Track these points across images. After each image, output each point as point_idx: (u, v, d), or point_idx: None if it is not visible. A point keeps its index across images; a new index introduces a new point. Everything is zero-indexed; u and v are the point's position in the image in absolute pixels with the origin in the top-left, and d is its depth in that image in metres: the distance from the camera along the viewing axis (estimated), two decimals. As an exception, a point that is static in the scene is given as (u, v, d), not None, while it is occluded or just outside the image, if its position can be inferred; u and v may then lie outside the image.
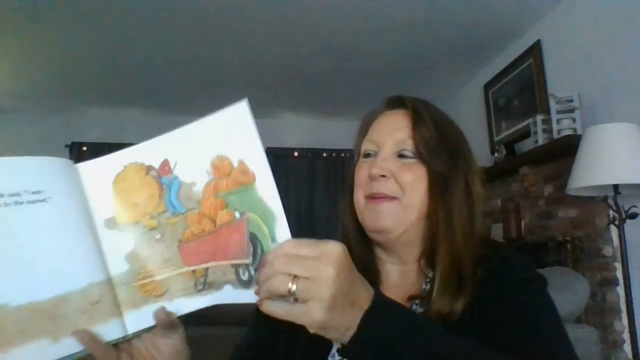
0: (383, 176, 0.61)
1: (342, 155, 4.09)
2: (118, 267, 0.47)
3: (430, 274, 0.62)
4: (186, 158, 0.48)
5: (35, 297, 0.42)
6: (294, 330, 0.44)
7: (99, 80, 3.23)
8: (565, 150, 1.98)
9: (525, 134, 2.43)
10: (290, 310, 0.40)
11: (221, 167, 0.47)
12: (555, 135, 2.08)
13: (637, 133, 1.61)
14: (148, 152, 0.48)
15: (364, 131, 0.69)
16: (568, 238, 2.05)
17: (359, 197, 0.64)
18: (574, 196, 1.88)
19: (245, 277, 0.47)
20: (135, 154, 0.48)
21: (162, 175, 0.48)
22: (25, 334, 0.42)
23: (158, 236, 0.48)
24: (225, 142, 0.47)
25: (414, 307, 0.60)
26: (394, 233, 0.61)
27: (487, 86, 2.96)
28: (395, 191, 0.61)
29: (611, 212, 1.72)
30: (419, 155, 0.62)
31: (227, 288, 0.48)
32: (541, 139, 2.18)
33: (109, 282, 0.46)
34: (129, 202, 0.48)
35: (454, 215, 0.61)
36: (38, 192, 0.44)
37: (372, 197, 0.62)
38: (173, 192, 0.48)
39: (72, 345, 0.44)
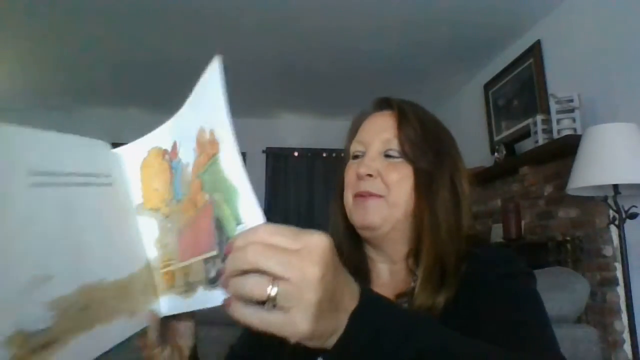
0: (370, 175, 0.63)
1: (342, 155, 4.09)
2: (150, 252, 0.48)
3: (418, 272, 0.63)
4: (183, 137, 0.44)
5: (118, 274, 0.43)
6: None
7: (99, 80, 3.22)
8: (565, 150, 1.98)
9: (525, 134, 2.43)
10: (267, 319, 0.32)
11: (202, 142, 0.41)
12: (555, 135, 2.08)
13: (637, 133, 1.61)
14: (164, 135, 0.47)
15: (353, 132, 0.71)
16: (568, 238, 2.05)
17: (348, 196, 0.66)
18: (574, 196, 1.88)
19: (212, 274, 0.40)
20: (155, 138, 0.48)
21: (172, 159, 0.46)
22: (115, 309, 0.42)
23: (169, 224, 0.46)
24: (201, 112, 0.41)
25: (403, 304, 0.61)
26: (381, 229, 0.63)
27: (487, 86, 2.96)
28: (382, 189, 0.63)
29: (611, 212, 1.72)
30: (404, 154, 0.64)
31: (199, 290, 0.42)
32: (541, 139, 2.18)
33: (149, 266, 0.47)
34: (151, 187, 0.48)
35: (438, 213, 0.63)
36: (108, 176, 0.45)
37: (360, 195, 0.64)
38: (177, 176, 0.45)
39: (140, 322, 0.45)
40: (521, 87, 2.59)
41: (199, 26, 2.49)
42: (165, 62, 2.91)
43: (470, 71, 3.09)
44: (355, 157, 0.68)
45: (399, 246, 0.65)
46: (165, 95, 3.67)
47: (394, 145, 0.65)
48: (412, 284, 0.63)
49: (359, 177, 0.64)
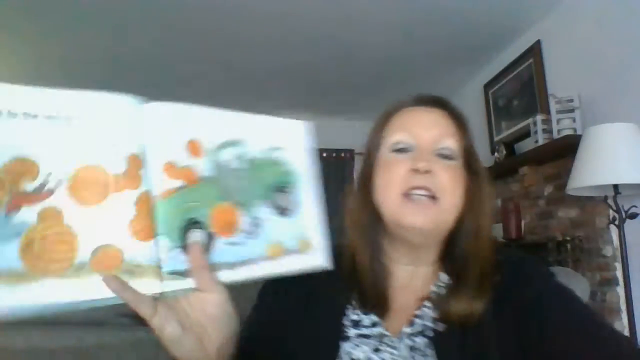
0: (428, 172, 0.59)
1: (342, 155, 4.09)
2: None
3: (443, 277, 0.62)
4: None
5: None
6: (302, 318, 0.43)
7: (98, 79, 3.23)
8: (565, 150, 1.98)
9: (525, 134, 2.43)
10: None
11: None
12: (555, 135, 2.08)
13: (637, 133, 1.61)
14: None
15: (384, 123, 0.66)
16: (568, 238, 2.05)
17: (393, 194, 0.60)
18: (574, 196, 1.88)
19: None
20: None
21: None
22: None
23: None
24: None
25: (424, 309, 0.60)
26: (431, 233, 0.60)
27: (487, 86, 2.96)
28: (438, 190, 0.59)
29: (611, 212, 1.72)
30: (463, 157, 0.62)
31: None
32: (541, 139, 2.18)
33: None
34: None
35: (484, 220, 0.61)
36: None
37: (408, 194, 0.59)
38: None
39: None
40: (521, 87, 2.59)
41: (200, 26, 2.49)
42: (166, 61, 2.91)
43: (470, 71, 3.10)
44: (401, 150, 0.62)
45: (431, 250, 0.63)
46: (166, 95, 3.68)
47: (450, 145, 0.61)
48: (434, 289, 0.61)
49: (417, 172, 0.59)
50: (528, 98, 2.52)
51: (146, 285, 0.43)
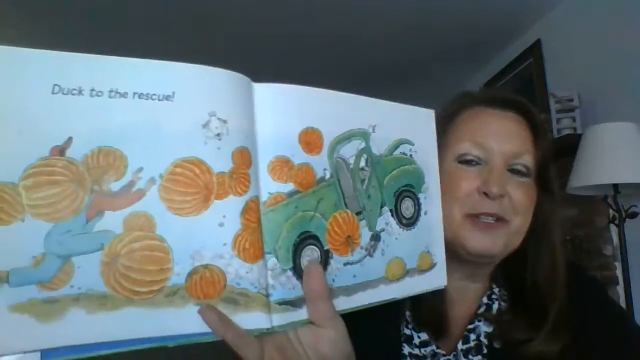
0: (501, 196, 0.52)
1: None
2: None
3: (496, 290, 0.58)
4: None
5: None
6: None
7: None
8: (565, 149, 1.98)
9: (526, 133, 2.42)
10: None
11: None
12: (555, 135, 2.08)
13: (637, 133, 1.61)
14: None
15: (447, 123, 0.57)
16: (568, 237, 2.06)
17: (457, 214, 0.52)
18: (574, 196, 1.88)
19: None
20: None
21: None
22: None
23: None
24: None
25: (477, 323, 0.56)
26: (496, 258, 0.54)
27: (487, 85, 2.96)
28: (509, 213, 0.52)
29: (611, 212, 1.72)
30: (536, 174, 0.55)
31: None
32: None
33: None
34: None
35: (560, 244, 0.55)
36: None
37: (476, 217, 0.52)
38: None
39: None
40: (521, 87, 2.59)
41: (199, 31, 2.49)
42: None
43: (470, 70, 3.10)
44: (468, 162, 0.54)
45: (490, 269, 0.58)
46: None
47: (526, 162, 0.54)
48: (486, 300, 0.57)
49: (489, 197, 0.51)
50: (528, 97, 2.49)
51: (252, 320, 0.33)
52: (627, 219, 1.67)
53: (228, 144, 0.33)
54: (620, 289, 1.81)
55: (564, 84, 2.21)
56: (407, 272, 0.44)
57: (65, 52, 0.30)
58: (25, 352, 0.28)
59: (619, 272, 1.83)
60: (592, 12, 2.07)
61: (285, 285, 0.35)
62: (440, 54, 2.84)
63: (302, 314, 0.36)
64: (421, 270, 0.45)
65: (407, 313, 0.58)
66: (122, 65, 0.31)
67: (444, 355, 0.55)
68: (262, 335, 0.35)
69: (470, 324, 0.56)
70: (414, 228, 0.45)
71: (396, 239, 0.43)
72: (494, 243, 0.52)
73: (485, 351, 0.54)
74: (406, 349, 0.56)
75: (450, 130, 0.57)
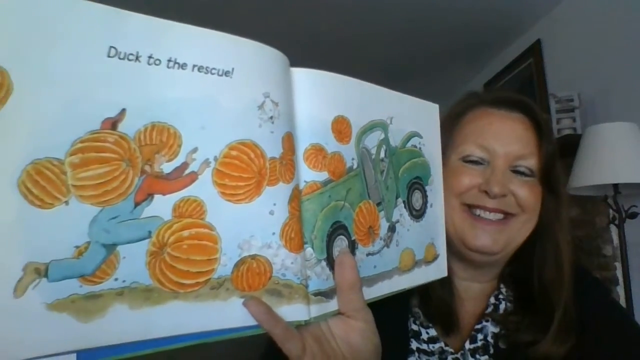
0: (503, 195, 0.53)
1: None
2: None
3: (503, 290, 0.58)
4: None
5: None
6: None
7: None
8: (565, 150, 1.97)
9: (525, 133, 2.42)
10: None
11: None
12: (555, 135, 2.08)
13: (637, 133, 1.61)
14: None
15: (453, 123, 0.58)
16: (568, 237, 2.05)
17: (454, 204, 0.54)
18: (574, 196, 1.88)
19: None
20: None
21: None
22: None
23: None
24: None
25: (484, 323, 0.56)
26: (498, 255, 0.54)
27: (487, 85, 2.96)
28: (514, 207, 0.53)
29: (611, 212, 1.72)
30: (540, 174, 0.55)
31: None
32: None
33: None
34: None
35: (569, 244, 0.55)
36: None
37: (475, 211, 0.53)
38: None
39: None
40: (521, 87, 2.59)
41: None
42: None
43: (470, 70, 3.10)
44: (472, 162, 0.55)
45: (495, 268, 0.58)
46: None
47: (530, 164, 0.54)
48: (493, 301, 0.57)
49: (489, 196, 0.53)
50: (528, 97, 2.51)
51: (293, 312, 0.32)
52: (627, 219, 1.67)
53: (279, 128, 0.32)
54: (620, 289, 1.81)
55: (564, 84, 2.21)
56: (416, 263, 0.43)
57: (124, 11, 0.26)
58: (59, 355, 0.25)
59: (619, 273, 1.83)
60: (592, 12, 2.07)
61: (320, 276, 0.34)
62: (441, 54, 2.83)
63: (333, 304, 0.35)
64: (427, 262, 0.45)
65: (416, 309, 0.58)
66: (184, 32, 0.28)
67: (451, 353, 0.55)
68: (299, 327, 0.34)
69: (477, 323, 0.56)
70: (422, 220, 0.45)
71: (408, 230, 0.43)
72: (495, 241, 0.53)
73: (492, 351, 0.54)
74: (414, 344, 0.56)
75: (456, 130, 0.57)
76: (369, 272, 0.38)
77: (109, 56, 0.26)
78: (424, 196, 0.45)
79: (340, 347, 0.36)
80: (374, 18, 2.44)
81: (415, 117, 0.45)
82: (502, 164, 0.54)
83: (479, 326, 0.56)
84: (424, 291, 0.56)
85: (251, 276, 0.30)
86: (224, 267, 0.30)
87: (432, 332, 0.56)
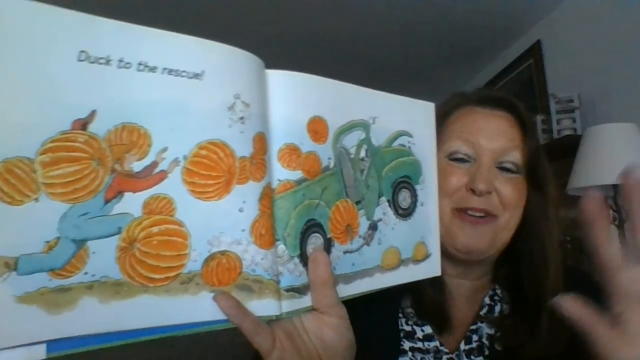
0: (488, 192, 0.53)
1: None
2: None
3: (498, 291, 0.58)
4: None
5: None
6: None
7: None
8: (565, 150, 1.98)
9: (525, 134, 2.42)
10: None
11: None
12: (556, 135, 2.08)
13: (637, 133, 1.61)
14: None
15: (441, 122, 0.58)
16: (568, 238, 2.05)
17: (444, 206, 0.53)
18: (574, 196, 1.88)
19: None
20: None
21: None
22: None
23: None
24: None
25: (479, 324, 0.56)
26: (484, 254, 0.55)
27: (487, 86, 2.96)
28: (496, 208, 0.54)
29: (611, 212, 1.71)
30: (526, 171, 0.55)
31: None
32: (541, 139, 2.17)
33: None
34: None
35: (556, 241, 0.55)
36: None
37: (463, 211, 0.54)
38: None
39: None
40: (521, 87, 2.59)
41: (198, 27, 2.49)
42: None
43: (470, 71, 3.10)
44: (458, 159, 0.56)
45: (485, 266, 0.58)
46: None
47: (514, 159, 0.55)
48: (487, 301, 0.57)
49: (475, 193, 0.53)
50: (528, 98, 2.51)
51: (264, 307, 0.33)
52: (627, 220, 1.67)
53: (250, 128, 0.33)
54: (621, 289, 1.80)
55: (564, 84, 2.21)
56: (402, 262, 0.44)
57: (95, 16, 0.27)
58: (29, 344, 0.26)
59: (619, 273, 1.82)
60: (592, 12, 2.07)
61: (293, 272, 0.35)
62: (441, 55, 2.84)
63: (307, 300, 0.36)
64: (416, 260, 0.45)
65: (408, 309, 0.58)
66: (154, 36, 0.29)
67: (446, 353, 0.55)
68: (271, 322, 0.35)
69: (473, 324, 0.57)
70: (410, 218, 0.45)
71: (392, 228, 0.43)
72: (480, 238, 0.53)
73: (487, 353, 0.54)
74: (406, 345, 0.56)
75: (443, 129, 0.58)
76: (346, 269, 0.39)
77: (79, 60, 0.27)
78: (413, 195, 0.46)
79: (313, 343, 0.37)
80: (373, 18, 2.44)
81: (404, 117, 0.45)
82: (487, 160, 0.55)
83: (474, 327, 0.56)
84: (415, 291, 0.57)
85: (221, 271, 0.32)
86: (194, 262, 0.31)
87: (428, 329, 0.56)
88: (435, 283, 0.56)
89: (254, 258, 0.33)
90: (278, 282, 0.34)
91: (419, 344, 0.56)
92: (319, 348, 0.37)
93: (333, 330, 0.37)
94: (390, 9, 2.32)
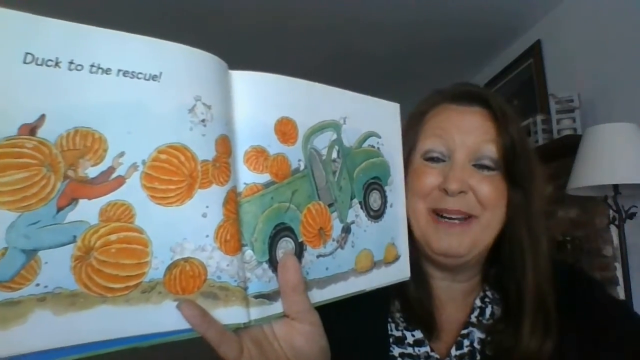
0: (462, 192, 0.51)
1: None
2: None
3: (489, 293, 0.57)
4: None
5: None
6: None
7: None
8: (565, 150, 1.98)
9: (525, 134, 2.42)
10: None
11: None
12: (555, 135, 2.08)
13: (637, 133, 1.60)
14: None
15: (418, 123, 0.56)
16: (568, 238, 2.05)
17: (419, 208, 0.53)
18: (574, 196, 1.88)
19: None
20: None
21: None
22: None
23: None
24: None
25: (470, 328, 0.54)
26: (465, 257, 0.53)
27: (487, 86, 2.95)
28: (476, 208, 0.52)
29: (611, 212, 1.71)
30: (506, 167, 0.53)
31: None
32: (541, 139, 2.17)
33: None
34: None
35: (539, 240, 0.53)
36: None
37: (440, 214, 0.52)
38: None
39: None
40: (521, 87, 2.59)
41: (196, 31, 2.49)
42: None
43: (470, 71, 3.09)
44: (432, 159, 0.54)
45: (473, 269, 0.57)
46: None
47: (489, 153, 0.52)
48: (478, 303, 0.56)
49: (448, 193, 0.51)
50: (528, 98, 2.51)
51: (230, 315, 0.32)
52: (627, 220, 1.66)
53: (212, 130, 0.32)
54: (621, 289, 1.80)
55: (564, 84, 2.21)
56: (374, 264, 0.43)
57: (42, 17, 0.26)
58: None
59: (619, 273, 1.82)
60: (592, 12, 2.06)
61: (262, 278, 0.34)
62: (440, 55, 2.83)
63: (277, 307, 0.35)
64: (387, 263, 0.44)
65: (398, 315, 0.56)
66: (107, 38, 0.28)
67: (437, 359, 0.54)
68: (238, 330, 0.34)
69: (464, 328, 0.55)
70: (380, 220, 0.44)
71: (365, 231, 0.42)
72: (459, 242, 0.51)
73: (478, 357, 0.53)
74: (396, 350, 0.54)
75: (420, 128, 0.57)
76: (320, 274, 0.38)
77: (25, 62, 0.26)
78: (383, 196, 0.45)
79: (283, 350, 0.36)
80: (373, 18, 2.44)
81: (372, 117, 0.44)
82: (461, 158, 0.53)
83: (465, 332, 0.55)
84: (403, 296, 0.55)
85: (185, 279, 0.30)
86: (156, 270, 0.29)
87: (418, 334, 0.55)
88: (420, 287, 0.55)
89: (219, 264, 0.31)
90: (245, 288, 0.33)
91: (409, 350, 0.54)
92: (289, 355, 0.36)
93: (304, 337, 0.36)
94: (390, 8, 2.32)
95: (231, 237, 0.32)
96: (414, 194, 0.53)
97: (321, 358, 0.37)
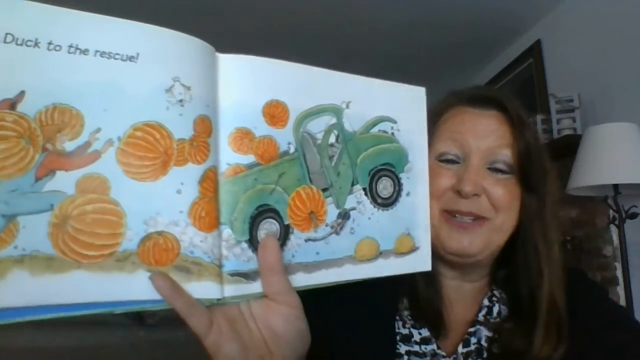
0: (476, 195, 0.51)
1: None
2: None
3: (496, 292, 0.57)
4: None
5: None
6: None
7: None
8: (565, 150, 1.98)
9: (526, 134, 2.42)
10: None
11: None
12: (555, 135, 2.07)
13: (637, 133, 1.60)
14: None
15: (432, 124, 0.56)
16: (568, 238, 2.05)
17: (434, 209, 0.51)
18: (574, 196, 1.88)
19: None
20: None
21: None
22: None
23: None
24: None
25: (478, 326, 0.55)
26: (477, 257, 0.53)
27: (488, 85, 2.96)
28: (489, 211, 0.52)
29: (611, 212, 1.71)
30: (520, 172, 0.53)
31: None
32: (541, 139, 2.17)
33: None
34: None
35: (553, 246, 0.53)
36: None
37: (451, 214, 0.52)
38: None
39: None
40: (521, 87, 2.58)
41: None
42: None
43: (470, 71, 3.09)
44: (447, 161, 0.55)
45: (484, 269, 0.57)
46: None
47: (505, 158, 0.53)
48: (486, 303, 0.56)
49: (461, 195, 0.51)
50: (528, 98, 2.51)
51: (204, 289, 0.33)
52: (627, 220, 1.66)
53: (190, 111, 0.33)
54: (621, 289, 1.80)
55: (564, 84, 2.21)
56: (380, 254, 0.42)
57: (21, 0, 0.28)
58: None
59: (619, 273, 1.82)
60: (593, 12, 2.06)
61: (240, 257, 0.35)
62: (440, 55, 2.83)
63: (256, 287, 0.35)
64: (399, 253, 0.43)
65: (406, 313, 0.57)
66: (85, 20, 0.30)
67: (444, 357, 0.54)
68: (212, 306, 0.34)
69: (471, 326, 0.56)
70: (391, 209, 0.43)
71: (369, 218, 0.41)
72: (470, 243, 0.52)
73: (485, 355, 0.53)
74: (403, 348, 0.54)
75: (436, 129, 0.56)
76: (308, 258, 0.38)
77: (5, 42, 0.27)
78: (397, 184, 0.44)
79: (260, 330, 0.36)
80: (373, 17, 2.44)
81: (387, 102, 0.44)
82: (476, 161, 0.53)
83: (472, 329, 0.55)
84: (412, 294, 0.56)
85: (158, 252, 0.31)
86: (130, 241, 0.31)
87: (425, 332, 0.55)
88: (431, 286, 0.55)
89: (192, 240, 0.32)
90: (220, 265, 0.34)
91: (416, 347, 0.54)
92: (266, 336, 0.36)
93: (282, 318, 0.36)
94: (390, 8, 2.32)
95: (206, 214, 0.33)
96: (429, 195, 0.52)
97: (299, 340, 0.38)
